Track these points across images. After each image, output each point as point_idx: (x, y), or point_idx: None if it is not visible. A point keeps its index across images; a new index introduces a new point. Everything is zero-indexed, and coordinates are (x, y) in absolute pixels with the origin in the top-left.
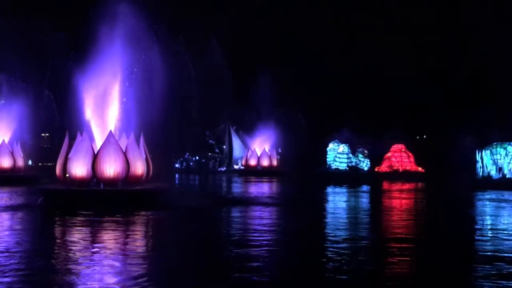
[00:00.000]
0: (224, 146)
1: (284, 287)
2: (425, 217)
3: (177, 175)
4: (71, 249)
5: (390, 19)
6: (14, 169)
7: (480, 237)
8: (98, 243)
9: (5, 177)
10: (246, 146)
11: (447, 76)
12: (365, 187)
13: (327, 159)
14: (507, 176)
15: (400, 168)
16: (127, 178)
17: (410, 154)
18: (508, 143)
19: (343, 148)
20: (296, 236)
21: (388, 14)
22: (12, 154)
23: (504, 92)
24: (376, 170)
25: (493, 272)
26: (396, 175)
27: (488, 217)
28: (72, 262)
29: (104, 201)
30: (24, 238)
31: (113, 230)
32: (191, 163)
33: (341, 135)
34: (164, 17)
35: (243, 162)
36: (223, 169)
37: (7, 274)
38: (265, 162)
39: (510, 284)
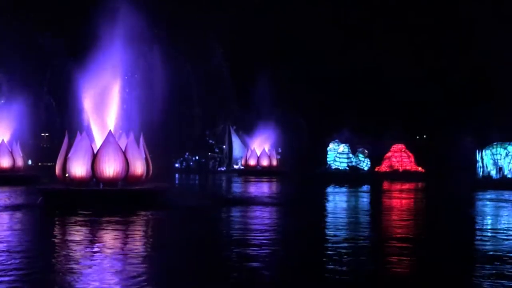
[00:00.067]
0: (224, 146)
1: (284, 287)
2: (425, 217)
3: (177, 175)
4: (70, 249)
5: (388, 17)
6: (13, 169)
7: (480, 237)
8: (97, 243)
9: (5, 177)
10: (246, 146)
11: (446, 75)
12: (365, 187)
13: (327, 159)
14: (507, 176)
15: (400, 168)
16: (126, 178)
17: (410, 154)
18: (508, 142)
19: (343, 148)
20: (296, 236)
21: (387, 13)
22: (11, 154)
23: (503, 91)
24: (376, 170)
25: (493, 272)
26: (396, 175)
27: (488, 217)
28: (71, 262)
29: (103, 201)
30: (24, 238)
31: (112, 230)
32: (191, 163)
33: (341, 135)
34: (163, 16)
35: (243, 162)
36: (223, 169)
37: (7, 274)
38: (264, 162)
39: (510, 284)
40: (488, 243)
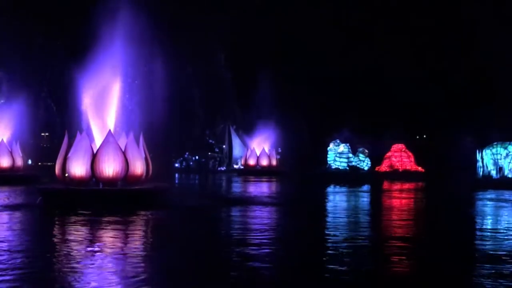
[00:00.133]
0: (224, 146)
1: (284, 287)
2: (425, 217)
3: (177, 175)
4: (70, 249)
5: (390, 19)
6: (13, 168)
7: (480, 237)
8: (97, 242)
9: (4, 176)
10: (245, 145)
11: (447, 76)
12: (365, 187)
13: (328, 159)
14: (507, 176)
15: (400, 168)
16: (126, 177)
17: (410, 153)
18: (508, 142)
19: (343, 148)
20: (296, 236)
21: (388, 14)
22: (11, 153)
23: (504, 92)
24: (376, 169)
25: (493, 272)
26: (396, 175)
27: (488, 217)
28: (71, 261)
29: (103, 200)
30: (23, 238)
31: (112, 229)
32: (191, 163)
33: (341, 135)
34: (164, 17)
35: (242, 162)
36: (223, 168)
37: (6, 273)
38: (264, 162)
39: (510, 284)
40: (488, 243)
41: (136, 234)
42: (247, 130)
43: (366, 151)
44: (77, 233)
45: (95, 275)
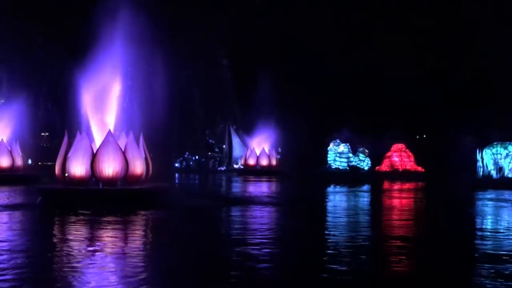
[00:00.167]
0: (224, 146)
1: (284, 287)
2: (425, 217)
3: (177, 175)
4: (70, 249)
5: (390, 19)
6: (12, 168)
7: (480, 237)
8: (97, 242)
9: (4, 176)
10: (245, 145)
11: (447, 76)
12: (365, 187)
13: (328, 159)
14: (507, 176)
15: (400, 167)
16: (126, 177)
17: (410, 153)
18: (508, 142)
19: (343, 147)
20: (296, 236)
21: (388, 14)
22: (10, 153)
23: (504, 92)
24: (376, 169)
25: (493, 272)
26: (396, 175)
27: (488, 217)
28: (71, 261)
29: (103, 200)
30: (23, 237)
31: (112, 229)
32: (191, 163)
33: (341, 135)
34: (164, 17)
35: (242, 162)
36: (223, 168)
37: (6, 273)
38: (264, 162)
39: (510, 284)
40: (488, 243)
41: (136, 234)
42: (247, 130)
43: (366, 151)
44: (77, 233)
45: (95, 275)
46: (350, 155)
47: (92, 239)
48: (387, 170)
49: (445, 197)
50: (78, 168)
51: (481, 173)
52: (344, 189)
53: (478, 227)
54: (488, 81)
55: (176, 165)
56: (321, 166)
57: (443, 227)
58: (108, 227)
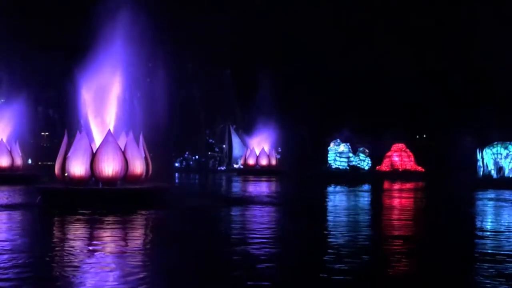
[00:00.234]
0: (224, 145)
1: (284, 287)
2: (425, 216)
3: (176, 174)
4: (69, 248)
5: (390, 19)
6: (12, 168)
7: (480, 237)
8: (97, 242)
9: (4, 176)
10: (245, 145)
11: (447, 76)
12: (365, 187)
13: (328, 159)
14: (508, 176)
15: (400, 167)
16: (125, 177)
17: (410, 153)
18: (509, 142)
19: (343, 147)
20: (296, 236)
21: (388, 14)
22: (10, 153)
23: (504, 92)
24: (377, 169)
25: (493, 272)
26: (396, 175)
27: (488, 217)
28: (71, 261)
29: (102, 200)
30: (23, 237)
31: (112, 229)
32: (191, 162)
33: (341, 134)
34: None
35: (242, 161)
36: (223, 168)
37: (6, 273)
38: (263, 162)
39: (510, 284)
40: (488, 243)
41: (136, 233)
42: (247, 130)
43: (367, 150)
44: (77, 232)
45: (95, 274)
46: (350, 155)
47: (91, 239)
48: (387, 170)
49: (445, 197)
50: (77, 167)
51: (481, 173)
52: (344, 189)
53: (478, 227)
54: (488, 81)
55: (176, 164)
56: (321, 166)
57: (443, 227)
58: (108, 226)
